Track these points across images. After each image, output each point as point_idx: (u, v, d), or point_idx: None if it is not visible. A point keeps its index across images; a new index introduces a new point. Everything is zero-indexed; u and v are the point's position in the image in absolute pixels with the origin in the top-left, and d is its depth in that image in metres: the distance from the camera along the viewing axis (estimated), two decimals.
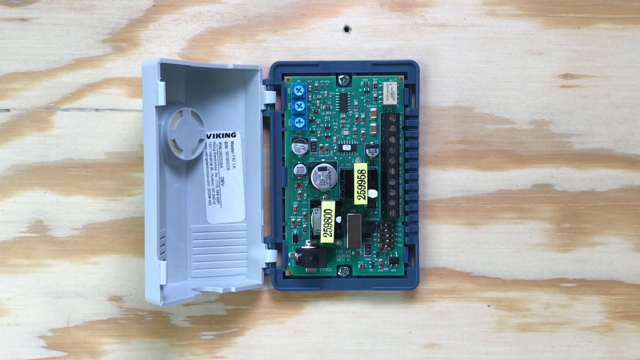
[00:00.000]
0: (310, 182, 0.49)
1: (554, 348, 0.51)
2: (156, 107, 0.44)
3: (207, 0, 0.50)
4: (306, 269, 0.50)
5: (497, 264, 0.51)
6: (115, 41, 0.50)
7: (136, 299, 0.51)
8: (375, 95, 0.50)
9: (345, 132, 0.50)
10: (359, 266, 0.50)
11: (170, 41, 0.50)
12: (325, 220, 0.48)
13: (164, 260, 0.45)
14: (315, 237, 0.50)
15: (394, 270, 0.50)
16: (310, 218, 0.50)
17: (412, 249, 0.51)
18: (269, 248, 0.50)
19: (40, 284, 0.51)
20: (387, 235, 0.50)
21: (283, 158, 0.50)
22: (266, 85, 0.50)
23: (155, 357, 0.51)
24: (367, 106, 0.50)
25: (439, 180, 0.51)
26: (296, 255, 0.49)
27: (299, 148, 0.49)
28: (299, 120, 0.49)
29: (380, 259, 0.50)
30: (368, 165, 0.49)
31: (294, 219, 0.50)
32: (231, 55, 0.50)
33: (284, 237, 0.50)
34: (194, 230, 0.51)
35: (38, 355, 0.51)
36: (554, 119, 0.51)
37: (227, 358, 0.52)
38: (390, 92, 0.49)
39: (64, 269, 0.51)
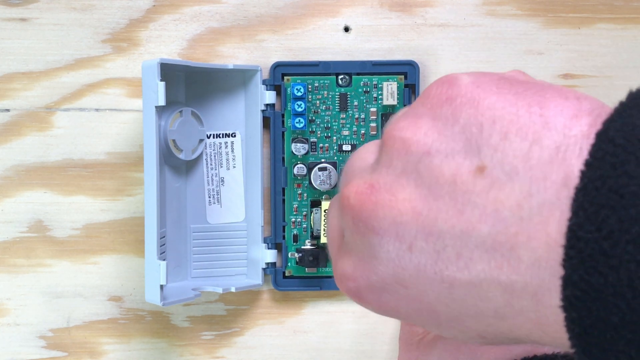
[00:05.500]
0: (310, 182, 0.49)
1: None
2: (156, 107, 0.44)
3: (207, 0, 0.50)
4: (306, 269, 0.50)
5: None
6: (115, 41, 0.50)
7: (136, 299, 0.51)
8: (375, 95, 0.50)
9: (345, 132, 0.50)
10: None
11: (170, 41, 0.50)
12: (325, 220, 0.48)
13: (164, 260, 0.45)
14: (315, 237, 0.50)
15: None
16: (310, 218, 0.50)
17: None
18: (269, 248, 0.50)
19: (40, 284, 0.51)
20: None
21: (283, 158, 0.50)
22: (266, 85, 0.50)
23: (155, 357, 0.51)
24: (367, 106, 0.50)
25: None
26: (296, 255, 0.49)
27: (299, 148, 0.49)
28: (299, 120, 0.49)
29: None
30: None
31: (294, 219, 0.50)
32: (231, 55, 0.50)
33: (284, 237, 0.50)
34: (194, 230, 0.51)
35: (38, 355, 0.51)
36: None
37: (227, 358, 0.52)
38: (390, 92, 0.49)
39: (64, 269, 0.51)
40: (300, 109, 0.49)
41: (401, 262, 0.26)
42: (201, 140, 0.50)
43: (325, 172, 0.49)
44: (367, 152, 0.30)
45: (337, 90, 0.50)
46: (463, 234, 0.25)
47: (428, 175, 0.26)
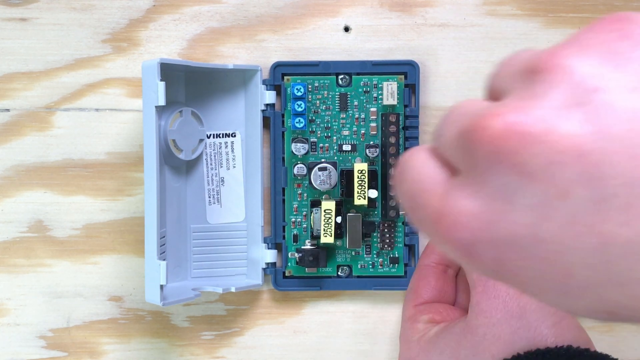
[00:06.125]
0: (310, 182, 0.49)
1: None
2: (156, 107, 0.44)
3: (207, 0, 0.50)
4: (306, 269, 0.50)
5: None
6: (115, 41, 0.50)
7: (136, 299, 0.51)
8: (375, 95, 0.50)
9: (345, 132, 0.50)
10: (359, 266, 0.50)
11: (170, 41, 0.50)
12: (325, 220, 0.48)
13: (164, 260, 0.45)
14: (315, 237, 0.50)
15: (394, 270, 0.50)
16: (310, 218, 0.50)
17: (412, 249, 0.50)
18: (269, 248, 0.50)
19: (40, 284, 0.51)
20: (387, 235, 0.50)
21: (283, 158, 0.50)
22: (266, 85, 0.50)
23: (155, 357, 0.51)
24: (367, 106, 0.50)
25: None
26: (296, 255, 0.49)
27: (299, 148, 0.49)
28: (299, 120, 0.49)
29: (380, 259, 0.50)
30: (368, 165, 0.49)
31: (294, 219, 0.50)
32: (231, 55, 0.50)
33: (284, 237, 0.50)
34: (194, 230, 0.51)
35: (38, 355, 0.51)
36: None
37: (227, 358, 0.52)
38: (390, 92, 0.49)
39: (64, 269, 0.51)
40: (300, 109, 0.49)
41: (547, 212, 0.22)
42: (201, 140, 0.50)
43: (325, 172, 0.49)
44: (476, 100, 0.25)
45: (337, 90, 0.50)
46: None
47: (597, 111, 0.22)
